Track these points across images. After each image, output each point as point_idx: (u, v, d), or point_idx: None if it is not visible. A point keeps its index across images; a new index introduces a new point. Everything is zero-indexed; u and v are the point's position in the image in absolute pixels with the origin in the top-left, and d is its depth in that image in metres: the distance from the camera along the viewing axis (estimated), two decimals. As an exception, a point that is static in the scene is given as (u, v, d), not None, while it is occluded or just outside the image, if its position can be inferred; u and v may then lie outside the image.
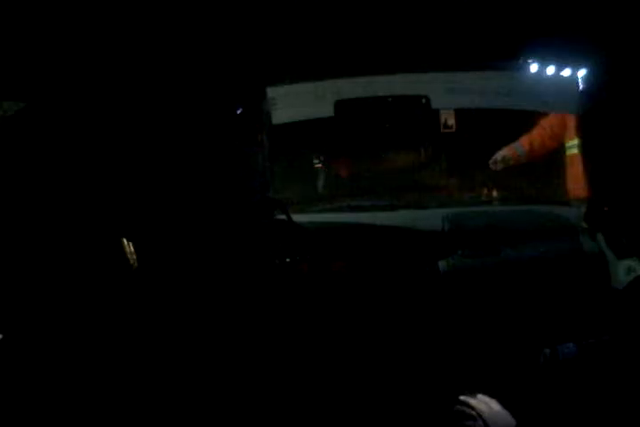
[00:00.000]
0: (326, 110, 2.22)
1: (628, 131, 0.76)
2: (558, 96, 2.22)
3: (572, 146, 3.01)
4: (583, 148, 0.83)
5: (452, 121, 2.62)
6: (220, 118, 0.79)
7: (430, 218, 2.24)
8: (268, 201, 0.89)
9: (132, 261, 0.77)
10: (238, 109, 0.79)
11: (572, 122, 2.89)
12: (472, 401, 1.17)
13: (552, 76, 2.26)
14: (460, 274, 2.04)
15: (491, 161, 3.28)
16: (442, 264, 2.06)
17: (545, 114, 3.09)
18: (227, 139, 0.79)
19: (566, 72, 2.23)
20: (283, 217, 0.94)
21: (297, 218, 0.96)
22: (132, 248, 0.78)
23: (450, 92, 2.37)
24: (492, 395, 1.18)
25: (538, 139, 3.22)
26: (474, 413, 1.14)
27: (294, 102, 2.20)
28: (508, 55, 2.23)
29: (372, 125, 2.29)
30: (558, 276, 2.00)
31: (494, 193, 3.39)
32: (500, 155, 3.28)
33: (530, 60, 2.27)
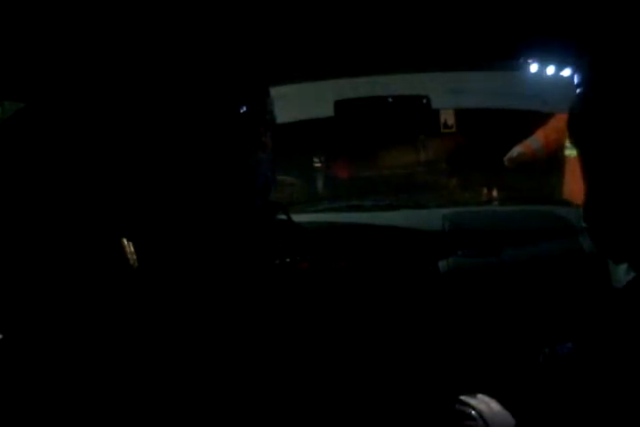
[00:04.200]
0: (326, 110, 2.22)
1: (625, 130, 0.76)
2: (558, 96, 2.22)
3: (570, 146, 2.97)
4: (579, 148, 0.83)
5: (451, 121, 2.63)
6: (222, 118, 0.79)
7: (430, 218, 2.24)
8: (270, 204, 0.88)
9: (132, 261, 0.77)
10: (242, 108, 0.78)
11: None
12: (472, 401, 1.17)
13: (552, 76, 2.26)
14: (460, 274, 2.04)
15: (506, 158, 3.19)
16: (442, 264, 2.06)
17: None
18: (230, 140, 0.79)
19: (566, 72, 2.23)
20: (283, 217, 0.94)
21: (297, 218, 0.96)
22: (132, 248, 0.77)
23: (450, 92, 2.37)
24: (491, 395, 1.18)
25: (554, 133, 3.13)
26: (474, 413, 1.14)
27: (294, 102, 2.20)
28: (508, 55, 2.23)
29: (371, 125, 2.30)
30: (558, 276, 2.00)
31: (494, 193, 3.38)
32: (515, 151, 3.19)
33: (530, 60, 2.27)
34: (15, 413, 0.72)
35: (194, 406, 0.73)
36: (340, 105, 2.17)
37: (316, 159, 3.82)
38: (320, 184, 3.76)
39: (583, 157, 0.83)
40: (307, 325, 0.80)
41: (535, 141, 3.21)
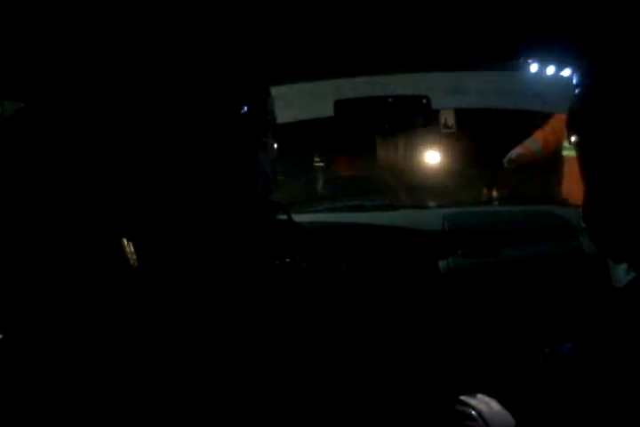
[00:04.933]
0: (326, 110, 2.22)
1: (625, 130, 0.76)
2: (558, 96, 2.22)
3: (568, 147, 2.97)
4: (579, 148, 0.83)
5: (452, 121, 2.62)
6: (223, 119, 0.79)
7: (430, 218, 2.24)
8: (271, 204, 0.88)
9: (132, 261, 0.77)
10: (243, 109, 0.78)
11: None
12: (472, 401, 1.17)
13: (552, 76, 2.26)
14: (460, 274, 2.04)
15: (505, 160, 3.19)
16: (442, 264, 2.06)
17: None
18: (230, 140, 0.79)
19: (566, 72, 2.23)
20: (283, 217, 0.94)
21: (297, 218, 0.96)
22: (132, 248, 0.77)
23: (450, 92, 2.37)
24: (491, 395, 1.18)
25: (552, 134, 3.09)
26: (474, 413, 1.14)
27: (294, 102, 2.20)
28: (508, 55, 2.23)
29: (371, 125, 2.30)
30: (558, 276, 2.00)
31: (494, 193, 3.38)
32: (514, 153, 3.18)
33: (530, 60, 2.27)
34: (15, 413, 0.72)
35: (194, 405, 0.73)
36: (340, 105, 2.17)
37: (316, 159, 3.83)
38: (320, 184, 3.77)
39: (583, 157, 0.83)
40: (307, 324, 0.80)
41: (534, 143, 3.21)
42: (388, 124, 2.21)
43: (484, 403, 1.16)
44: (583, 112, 0.81)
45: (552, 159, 3.20)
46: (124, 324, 0.75)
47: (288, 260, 0.90)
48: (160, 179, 0.77)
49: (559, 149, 3.08)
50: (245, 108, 0.82)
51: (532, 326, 1.86)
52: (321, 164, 3.86)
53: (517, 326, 1.88)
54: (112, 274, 0.76)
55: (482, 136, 3.43)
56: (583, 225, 0.84)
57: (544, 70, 2.27)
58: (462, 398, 1.18)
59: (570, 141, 0.84)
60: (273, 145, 0.87)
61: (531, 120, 3.26)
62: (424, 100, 2.14)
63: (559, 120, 3.05)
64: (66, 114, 0.79)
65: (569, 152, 2.91)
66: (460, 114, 2.65)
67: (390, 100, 2.18)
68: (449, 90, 2.36)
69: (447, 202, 2.73)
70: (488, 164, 3.34)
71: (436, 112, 2.53)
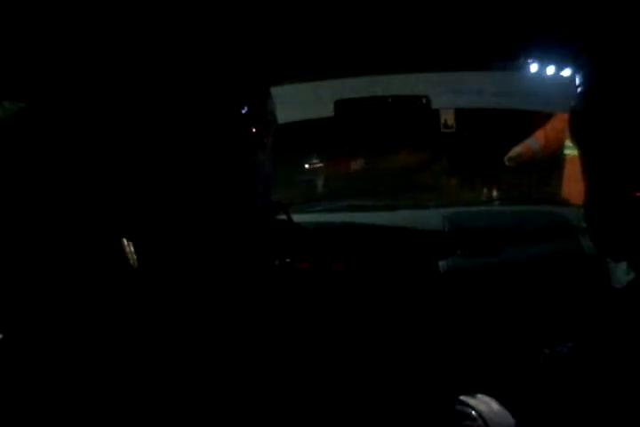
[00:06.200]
0: (326, 110, 2.22)
1: (626, 130, 0.76)
2: (558, 96, 2.22)
3: (570, 146, 2.97)
4: (580, 147, 0.83)
5: (451, 121, 2.62)
6: (223, 119, 0.79)
7: (430, 218, 2.24)
8: (270, 204, 0.88)
9: (132, 261, 0.77)
10: (243, 109, 0.78)
11: None
12: (472, 401, 1.17)
13: (552, 76, 2.26)
14: (460, 274, 2.04)
15: (506, 158, 3.20)
16: (442, 264, 2.06)
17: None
18: (230, 140, 0.79)
19: (566, 72, 2.23)
20: (283, 217, 0.94)
21: (297, 218, 0.96)
22: (132, 248, 0.77)
23: (450, 92, 2.37)
24: (491, 395, 1.18)
25: (553, 133, 3.13)
26: (474, 413, 1.14)
27: (294, 102, 2.20)
28: (508, 55, 2.23)
29: (371, 125, 2.29)
30: (558, 276, 2.00)
31: (494, 193, 3.38)
32: (514, 151, 3.20)
33: (530, 60, 2.27)
34: (15, 413, 0.72)
35: (194, 405, 0.73)
36: (340, 105, 2.17)
37: (315, 159, 3.82)
38: (320, 184, 3.76)
39: (584, 156, 0.83)
40: (307, 325, 0.80)
41: (534, 142, 3.21)
42: (387, 124, 2.21)
43: (483, 403, 1.16)
44: (585, 111, 0.81)
45: (552, 159, 3.20)
46: (123, 323, 0.75)
47: (288, 260, 0.90)
48: (160, 179, 0.77)
49: (560, 148, 3.08)
50: (245, 108, 0.82)
51: (532, 326, 1.86)
52: (321, 164, 3.86)
53: (517, 327, 1.88)
54: (112, 274, 0.76)
55: (482, 136, 3.43)
56: (584, 225, 0.84)
57: (544, 70, 2.27)
58: (462, 398, 1.18)
59: (572, 141, 0.85)
60: (273, 145, 0.87)
61: (531, 120, 3.26)
62: (424, 100, 2.14)
63: (560, 119, 3.05)
64: (66, 114, 0.79)
65: (571, 151, 2.90)
66: (460, 114, 2.64)
67: (390, 100, 2.18)
68: (449, 90, 2.36)
69: (447, 202, 2.73)
70: (488, 164, 3.34)
71: (436, 112, 2.52)
